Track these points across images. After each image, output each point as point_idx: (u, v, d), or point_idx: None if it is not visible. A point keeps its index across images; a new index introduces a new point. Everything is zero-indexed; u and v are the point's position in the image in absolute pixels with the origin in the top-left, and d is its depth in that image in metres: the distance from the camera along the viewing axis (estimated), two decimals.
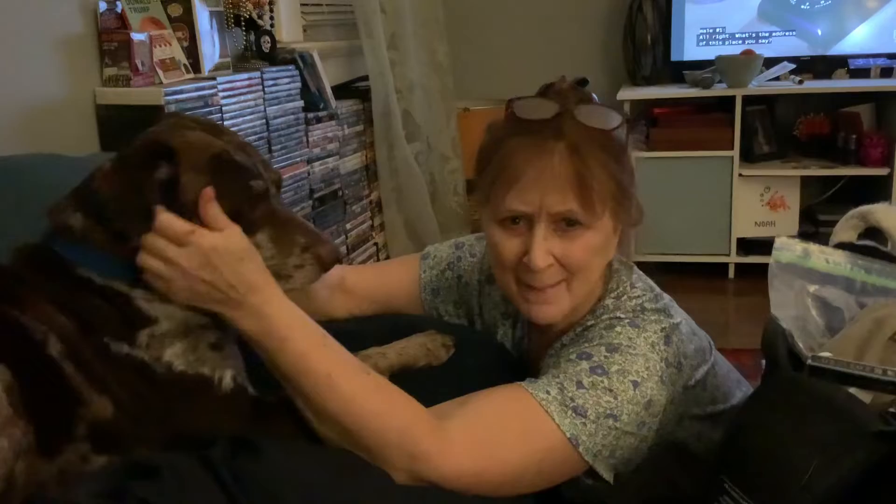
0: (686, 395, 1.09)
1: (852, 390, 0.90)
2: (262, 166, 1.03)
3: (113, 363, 0.95)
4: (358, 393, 0.93)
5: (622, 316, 1.08)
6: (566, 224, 1.03)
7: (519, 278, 1.07)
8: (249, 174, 1.00)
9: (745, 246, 3.40)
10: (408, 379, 1.12)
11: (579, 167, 1.00)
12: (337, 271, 1.36)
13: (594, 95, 1.10)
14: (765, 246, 3.17)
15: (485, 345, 1.27)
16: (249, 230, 0.99)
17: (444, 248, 1.35)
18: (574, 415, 0.98)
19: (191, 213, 0.96)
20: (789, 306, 1.07)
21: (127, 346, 0.96)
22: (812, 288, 1.09)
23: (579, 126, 1.02)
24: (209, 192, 0.95)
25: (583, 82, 1.11)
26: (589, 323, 1.10)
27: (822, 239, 1.23)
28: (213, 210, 0.95)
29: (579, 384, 1.00)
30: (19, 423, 0.87)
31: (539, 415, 0.98)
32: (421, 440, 0.93)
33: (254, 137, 2.28)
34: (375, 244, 3.27)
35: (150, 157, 0.96)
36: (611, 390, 1.00)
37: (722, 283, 3.39)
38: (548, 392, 1.00)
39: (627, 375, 1.01)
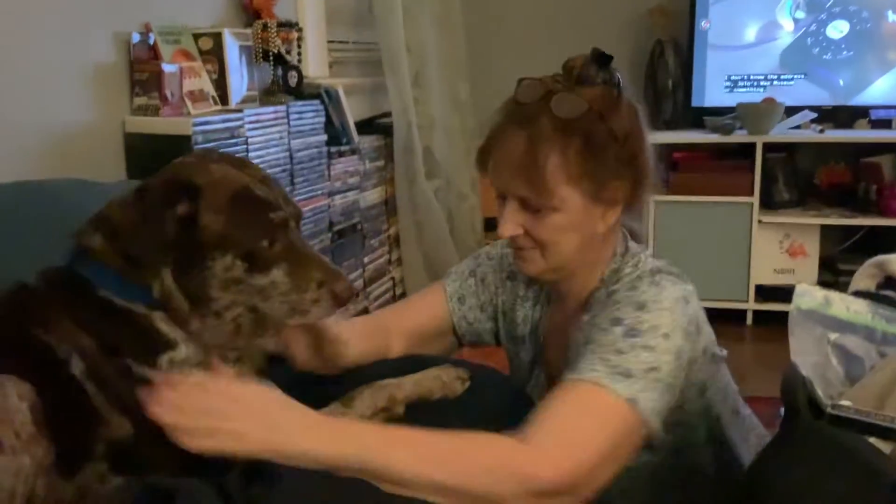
0: (703, 362, 1.13)
1: (872, 440, 0.89)
2: (282, 200, 1.04)
3: (134, 385, 0.96)
4: (448, 471, 0.93)
5: (642, 276, 1.14)
6: (529, 205, 1.12)
7: None
8: (269, 207, 1.01)
9: (764, 293, 3.38)
10: (420, 412, 1.12)
11: (532, 156, 1.09)
12: (369, 316, 1.40)
13: (608, 72, 1.14)
14: (783, 293, 3.14)
15: (498, 381, 1.27)
16: (266, 265, 0.99)
17: (464, 262, 1.42)
18: (623, 378, 1.02)
19: (210, 250, 0.97)
20: (809, 353, 1.06)
21: (148, 368, 0.97)
22: (832, 336, 1.08)
23: (549, 114, 1.10)
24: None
25: (600, 58, 1.14)
26: (612, 288, 1.15)
27: (842, 288, 1.23)
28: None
29: (618, 352, 1.04)
30: (42, 442, 0.88)
31: (599, 393, 1.01)
32: (519, 464, 0.95)
33: (277, 169, 2.31)
34: (392, 278, 3.28)
35: (172, 192, 0.98)
36: (647, 346, 1.04)
37: (740, 330, 3.36)
38: (594, 370, 1.02)
39: (658, 329, 1.06)
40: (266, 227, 0.99)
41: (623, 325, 1.06)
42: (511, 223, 1.14)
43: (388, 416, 1.10)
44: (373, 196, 3.08)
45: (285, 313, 1.02)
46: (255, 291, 1.00)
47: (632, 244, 1.22)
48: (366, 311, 2.91)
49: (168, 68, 1.99)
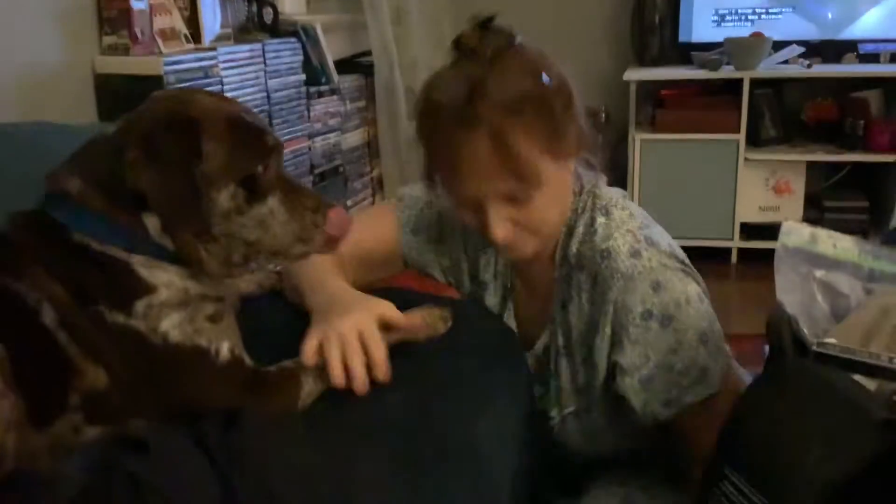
0: None
1: (857, 378, 0.89)
2: (271, 130, 1.04)
3: (108, 333, 0.93)
4: None
5: (632, 232, 1.13)
6: (514, 198, 1.08)
7: None
8: (261, 132, 1.00)
9: (749, 231, 3.38)
10: (406, 351, 1.11)
11: (504, 150, 1.03)
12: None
13: (500, 30, 1.09)
14: (768, 231, 3.15)
15: (482, 315, 1.26)
16: (263, 193, 0.98)
17: (419, 188, 1.32)
18: (704, 378, 1.09)
19: (215, 180, 0.95)
20: (795, 291, 1.05)
21: (123, 315, 0.94)
22: (819, 273, 1.07)
23: (490, 103, 1.03)
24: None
25: (486, 21, 1.09)
26: (593, 253, 1.14)
27: (827, 225, 1.21)
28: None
29: (673, 351, 1.09)
30: (9, 396, 0.86)
31: (711, 403, 1.09)
32: None
33: (254, 111, 2.26)
34: None
35: (186, 141, 0.94)
36: (686, 327, 1.09)
37: (724, 268, 3.37)
38: (684, 391, 1.10)
39: (680, 302, 1.09)
40: (262, 152, 0.98)
41: (654, 317, 1.09)
42: (502, 225, 1.09)
43: None
44: (354, 137, 3.03)
45: (289, 243, 1.00)
46: (256, 223, 0.99)
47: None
48: None
49: (137, 5, 1.93)
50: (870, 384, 0.87)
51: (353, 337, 1.01)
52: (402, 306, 1.17)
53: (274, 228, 0.99)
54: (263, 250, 1.02)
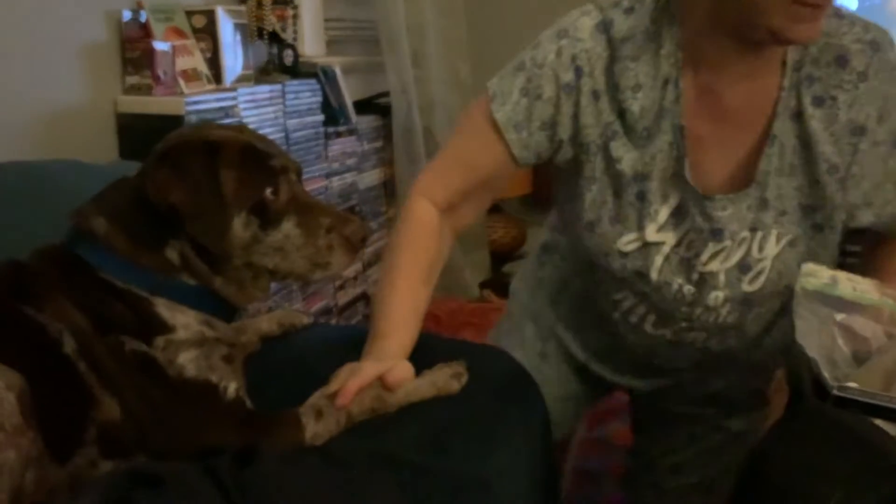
0: None
1: (878, 422, 0.87)
2: (279, 153, 1.05)
3: (125, 361, 0.94)
4: None
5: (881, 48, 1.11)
6: None
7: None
8: (268, 155, 1.01)
9: None
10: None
11: None
12: (429, 200, 1.25)
13: None
14: None
15: (497, 358, 1.25)
16: (277, 219, 0.99)
17: (504, 81, 1.21)
18: None
19: (233, 206, 0.96)
20: (815, 335, 1.04)
21: (144, 346, 0.95)
22: (839, 316, 1.06)
23: None
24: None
25: None
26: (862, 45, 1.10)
27: (847, 268, 1.20)
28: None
29: None
30: (28, 433, 0.85)
31: None
32: None
33: (270, 138, 2.29)
34: None
35: (208, 162, 0.97)
36: None
37: None
38: None
39: None
40: (269, 175, 1.00)
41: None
42: None
43: (376, 414, 1.06)
44: (371, 177, 3.05)
45: (307, 269, 1.02)
46: (273, 250, 1.01)
47: None
48: (364, 295, 2.89)
49: (160, 46, 1.96)
50: (891, 429, 0.86)
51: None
52: (419, 357, 1.15)
53: (292, 254, 1.01)
54: (284, 276, 1.04)
